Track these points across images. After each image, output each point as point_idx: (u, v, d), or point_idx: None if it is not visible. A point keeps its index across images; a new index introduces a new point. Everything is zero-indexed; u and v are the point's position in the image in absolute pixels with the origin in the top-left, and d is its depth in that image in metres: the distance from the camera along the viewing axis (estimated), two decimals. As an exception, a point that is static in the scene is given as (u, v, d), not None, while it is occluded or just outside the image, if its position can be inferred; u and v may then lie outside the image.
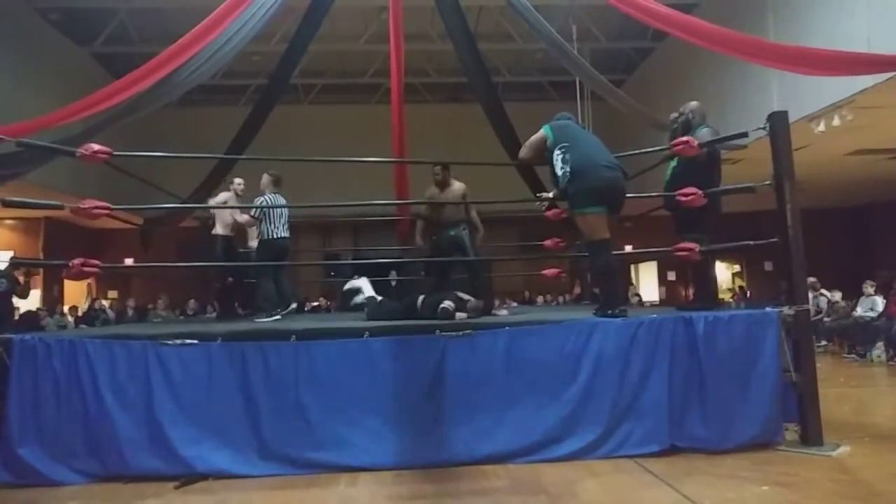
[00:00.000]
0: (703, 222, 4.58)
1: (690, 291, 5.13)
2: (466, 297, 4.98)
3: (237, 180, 6.65)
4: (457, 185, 5.93)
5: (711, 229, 4.64)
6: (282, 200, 5.92)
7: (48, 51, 10.72)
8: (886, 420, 5.12)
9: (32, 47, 10.22)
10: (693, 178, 4.46)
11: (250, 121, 7.50)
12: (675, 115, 4.98)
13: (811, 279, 10.15)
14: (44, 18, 10.67)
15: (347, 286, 5.60)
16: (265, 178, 5.98)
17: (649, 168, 5.34)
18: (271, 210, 5.75)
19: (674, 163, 4.78)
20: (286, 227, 5.90)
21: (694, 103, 4.96)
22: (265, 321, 5.34)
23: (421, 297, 4.93)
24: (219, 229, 6.61)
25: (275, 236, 5.79)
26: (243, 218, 6.36)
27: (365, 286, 5.46)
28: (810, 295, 9.50)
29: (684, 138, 4.44)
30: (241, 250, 6.99)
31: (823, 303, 10.49)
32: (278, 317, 5.57)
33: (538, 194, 5.35)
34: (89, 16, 11.18)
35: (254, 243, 6.48)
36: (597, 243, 4.20)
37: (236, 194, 6.59)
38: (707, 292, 4.92)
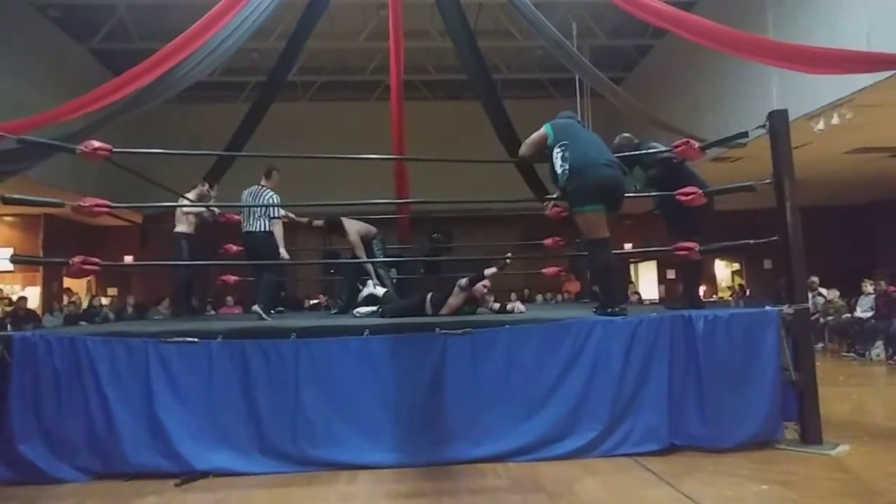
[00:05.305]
0: (694, 225, 4.57)
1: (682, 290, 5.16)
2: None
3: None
4: None
5: (704, 231, 4.63)
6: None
7: (47, 47, 10.68)
8: (885, 419, 5.13)
9: (31, 44, 10.18)
10: (667, 188, 4.52)
11: (249, 117, 7.49)
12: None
13: (813, 278, 10.14)
14: (42, 14, 10.63)
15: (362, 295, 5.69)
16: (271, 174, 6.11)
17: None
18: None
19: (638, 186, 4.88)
20: None
21: (622, 136, 5.03)
22: (263, 314, 5.36)
23: (430, 295, 4.95)
24: (184, 227, 6.53)
25: None
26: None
27: (374, 289, 5.51)
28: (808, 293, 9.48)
29: (683, 139, 4.45)
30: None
31: (820, 302, 10.47)
32: (276, 310, 5.60)
33: (546, 196, 5.38)
34: (88, 12, 11.13)
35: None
36: (596, 242, 4.19)
37: (208, 194, 6.69)
38: (691, 293, 4.94)
